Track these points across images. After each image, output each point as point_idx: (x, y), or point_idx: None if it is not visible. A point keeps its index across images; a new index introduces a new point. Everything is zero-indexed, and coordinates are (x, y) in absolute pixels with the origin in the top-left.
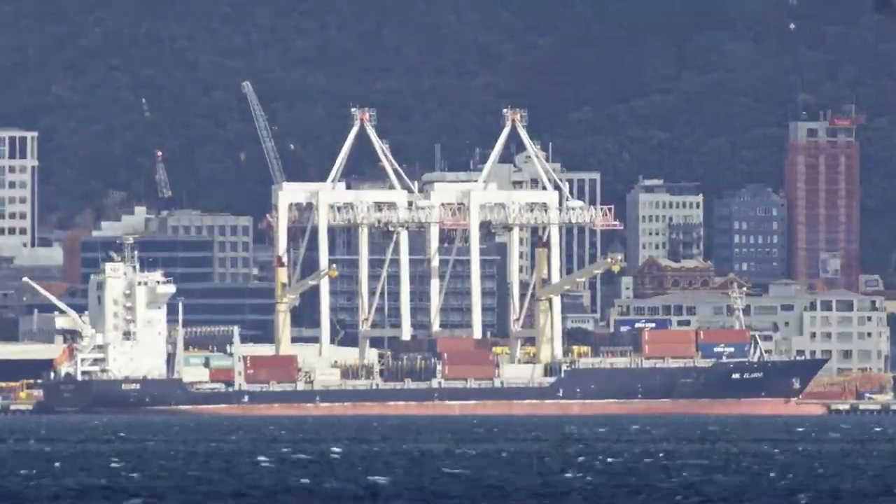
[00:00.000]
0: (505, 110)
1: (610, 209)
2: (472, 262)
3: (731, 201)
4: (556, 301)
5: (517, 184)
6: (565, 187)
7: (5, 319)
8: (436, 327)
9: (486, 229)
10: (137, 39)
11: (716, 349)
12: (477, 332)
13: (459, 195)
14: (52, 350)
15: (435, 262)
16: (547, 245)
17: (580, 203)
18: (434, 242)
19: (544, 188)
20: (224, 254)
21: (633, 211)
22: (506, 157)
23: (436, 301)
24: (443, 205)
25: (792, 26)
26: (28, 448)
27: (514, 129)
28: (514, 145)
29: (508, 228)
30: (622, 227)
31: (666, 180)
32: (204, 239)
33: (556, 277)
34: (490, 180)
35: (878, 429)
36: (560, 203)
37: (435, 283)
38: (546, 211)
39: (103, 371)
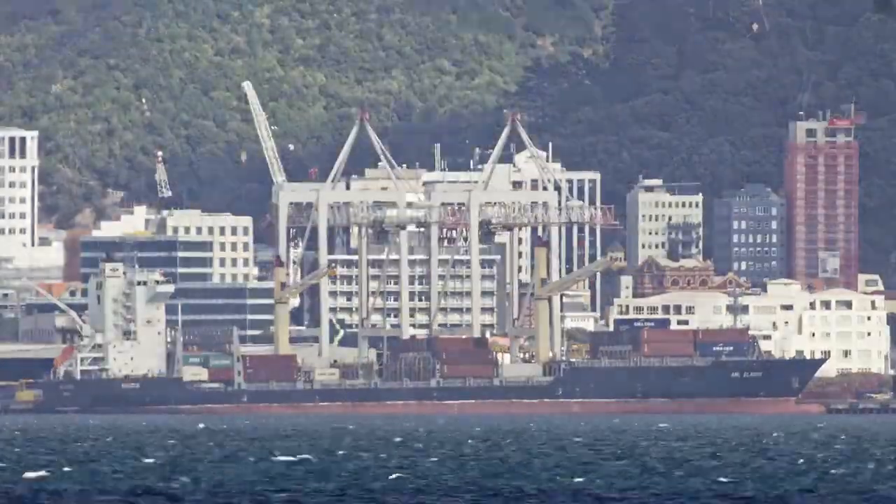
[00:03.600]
0: (505, 111)
1: (610, 208)
2: (473, 261)
3: (731, 201)
4: (556, 300)
5: (517, 184)
6: (565, 187)
7: (5, 319)
8: (435, 326)
9: (486, 229)
10: (137, 39)
11: (715, 348)
12: (476, 332)
13: (460, 195)
14: (51, 349)
15: (435, 262)
16: (547, 244)
17: (580, 202)
18: (434, 242)
19: (545, 188)
20: (224, 254)
21: (633, 211)
22: (506, 158)
23: (435, 300)
24: (443, 205)
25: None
26: None
27: (514, 129)
28: (513, 145)
29: (509, 228)
30: (622, 227)
31: (666, 180)
32: (204, 239)
33: (555, 277)
34: (490, 180)
35: None
36: (560, 202)
37: (435, 283)
38: (546, 210)
39: (103, 370)
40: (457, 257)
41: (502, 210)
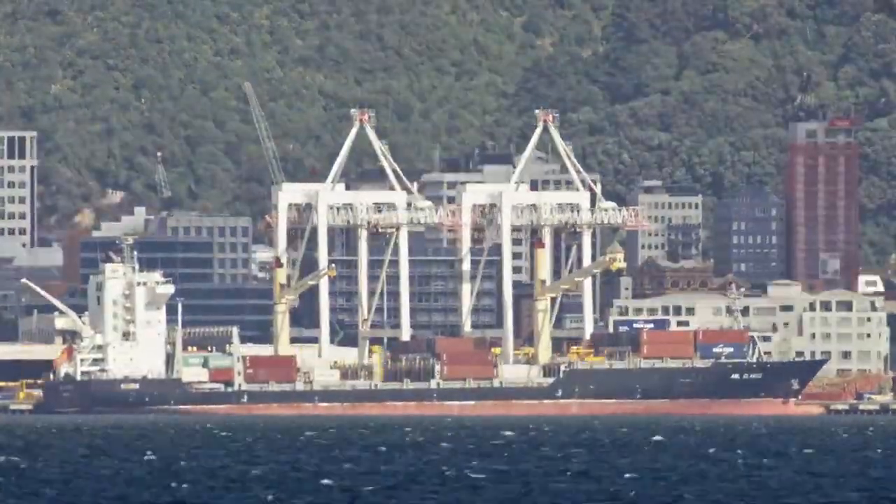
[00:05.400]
0: (537, 111)
1: (640, 210)
2: (505, 262)
3: (731, 202)
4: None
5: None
6: (598, 189)
7: (5, 320)
8: (467, 328)
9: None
10: (137, 39)
11: (714, 350)
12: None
13: (491, 196)
14: (51, 350)
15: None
16: (578, 244)
17: (612, 204)
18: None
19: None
20: (223, 254)
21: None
22: (506, 159)
23: (467, 302)
24: (474, 206)
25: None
26: None
27: (545, 130)
28: (513, 146)
29: (541, 229)
30: (651, 228)
31: (665, 181)
32: (203, 239)
33: (586, 278)
34: (522, 181)
35: None
36: (592, 204)
37: (467, 286)
38: (578, 212)
39: (102, 371)
40: (456, 257)
41: (534, 211)
